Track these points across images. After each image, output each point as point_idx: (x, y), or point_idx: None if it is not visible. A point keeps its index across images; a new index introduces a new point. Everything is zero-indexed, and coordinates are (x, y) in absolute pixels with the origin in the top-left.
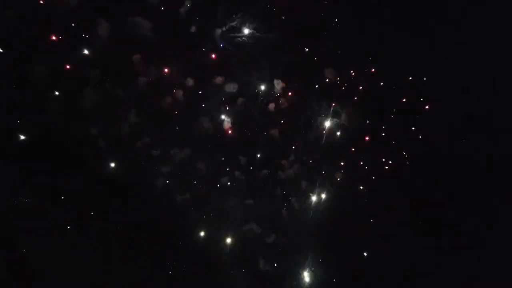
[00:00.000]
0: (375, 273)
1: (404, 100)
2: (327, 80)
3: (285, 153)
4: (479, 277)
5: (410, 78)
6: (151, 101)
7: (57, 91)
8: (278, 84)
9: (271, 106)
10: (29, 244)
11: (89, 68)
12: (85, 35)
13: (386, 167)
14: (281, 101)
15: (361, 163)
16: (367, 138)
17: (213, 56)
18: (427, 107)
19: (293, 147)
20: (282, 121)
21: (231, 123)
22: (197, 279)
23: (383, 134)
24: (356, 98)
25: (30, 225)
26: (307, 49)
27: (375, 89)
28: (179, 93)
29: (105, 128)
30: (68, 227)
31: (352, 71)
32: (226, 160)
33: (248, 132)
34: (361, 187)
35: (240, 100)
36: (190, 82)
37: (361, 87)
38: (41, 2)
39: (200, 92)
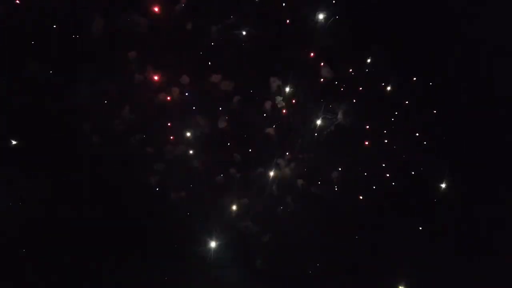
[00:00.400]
0: (374, 274)
1: (406, 102)
2: (325, 79)
3: (281, 151)
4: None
5: (414, 78)
6: (146, 98)
7: (49, 87)
8: (274, 82)
9: (267, 104)
10: (23, 244)
11: (83, 64)
12: (80, 31)
13: (388, 174)
14: (277, 99)
15: (359, 168)
16: (366, 143)
17: (209, 53)
18: (433, 111)
19: (289, 146)
20: (278, 120)
21: (227, 121)
22: (192, 278)
23: (384, 139)
24: (354, 98)
25: (24, 225)
26: (304, 47)
27: (375, 89)
28: (174, 90)
29: (99, 125)
30: (61, 226)
31: (351, 70)
32: (221, 158)
33: (243, 130)
34: (360, 196)
35: (236, 98)
36: (185, 79)
37: (360, 88)
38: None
39: (195, 89)
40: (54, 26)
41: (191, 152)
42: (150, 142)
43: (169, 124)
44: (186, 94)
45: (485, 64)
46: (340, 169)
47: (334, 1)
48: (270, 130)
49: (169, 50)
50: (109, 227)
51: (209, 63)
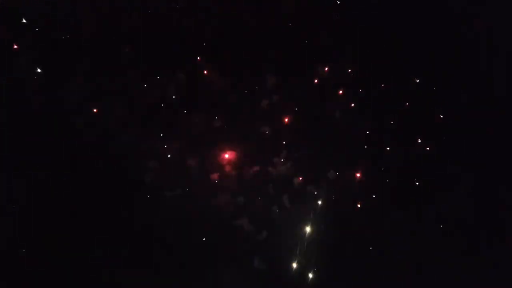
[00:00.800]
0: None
1: (407, 104)
2: (323, 79)
3: (277, 150)
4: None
5: (418, 80)
6: (141, 96)
7: (43, 83)
8: (271, 80)
9: (264, 102)
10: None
11: (76, 60)
12: (73, 27)
13: (388, 180)
14: (274, 97)
15: (358, 170)
16: (365, 146)
17: (205, 50)
18: (434, 112)
19: (285, 145)
20: (274, 118)
21: (223, 119)
22: (187, 277)
23: (383, 140)
24: (353, 98)
25: (19, 225)
26: (302, 45)
27: (375, 89)
28: (170, 87)
29: (93, 122)
30: (54, 226)
31: (350, 71)
32: (217, 156)
33: (239, 128)
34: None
35: (232, 95)
36: (181, 77)
37: (360, 90)
38: None
39: (191, 87)
40: (47, 22)
41: (186, 150)
42: (144, 140)
43: (164, 121)
44: (182, 91)
45: (485, 64)
46: (337, 169)
47: (338, 2)
48: (266, 129)
49: (164, 47)
50: (103, 225)
51: (205, 61)
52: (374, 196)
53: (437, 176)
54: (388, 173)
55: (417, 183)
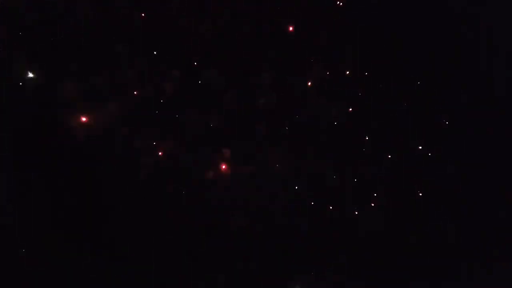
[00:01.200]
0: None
1: (406, 104)
2: (321, 78)
3: (274, 149)
4: None
5: (418, 83)
6: (136, 93)
7: (42, 83)
8: (267, 79)
9: (260, 100)
10: (16, 244)
11: (76, 60)
12: (66, 21)
13: (387, 180)
14: (271, 95)
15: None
16: (364, 149)
17: (202, 48)
18: (433, 112)
19: (282, 143)
20: (271, 116)
21: (219, 117)
22: (184, 276)
23: (385, 146)
24: (352, 98)
25: (16, 224)
26: (299, 42)
27: (375, 89)
28: (166, 85)
29: (92, 121)
30: (54, 226)
31: (348, 72)
32: (213, 154)
33: (235, 126)
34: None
35: (228, 93)
36: (177, 74)
37: (360, 90)
38: None
39: (187, 84)
40: (37, 16)
41: (181, 147)
42: (139, 137)
43: (158, 119)
44: (177, 88)
45: (485, 64)
46: (336, 170)
47: (340, 3)
48: (264, 128)
49: (160, 44)
50: (103, 225)
51: (202, 58)
52: (373, 196)
53: (437, 176)
54: (387, 174)
55: (417, 184)
